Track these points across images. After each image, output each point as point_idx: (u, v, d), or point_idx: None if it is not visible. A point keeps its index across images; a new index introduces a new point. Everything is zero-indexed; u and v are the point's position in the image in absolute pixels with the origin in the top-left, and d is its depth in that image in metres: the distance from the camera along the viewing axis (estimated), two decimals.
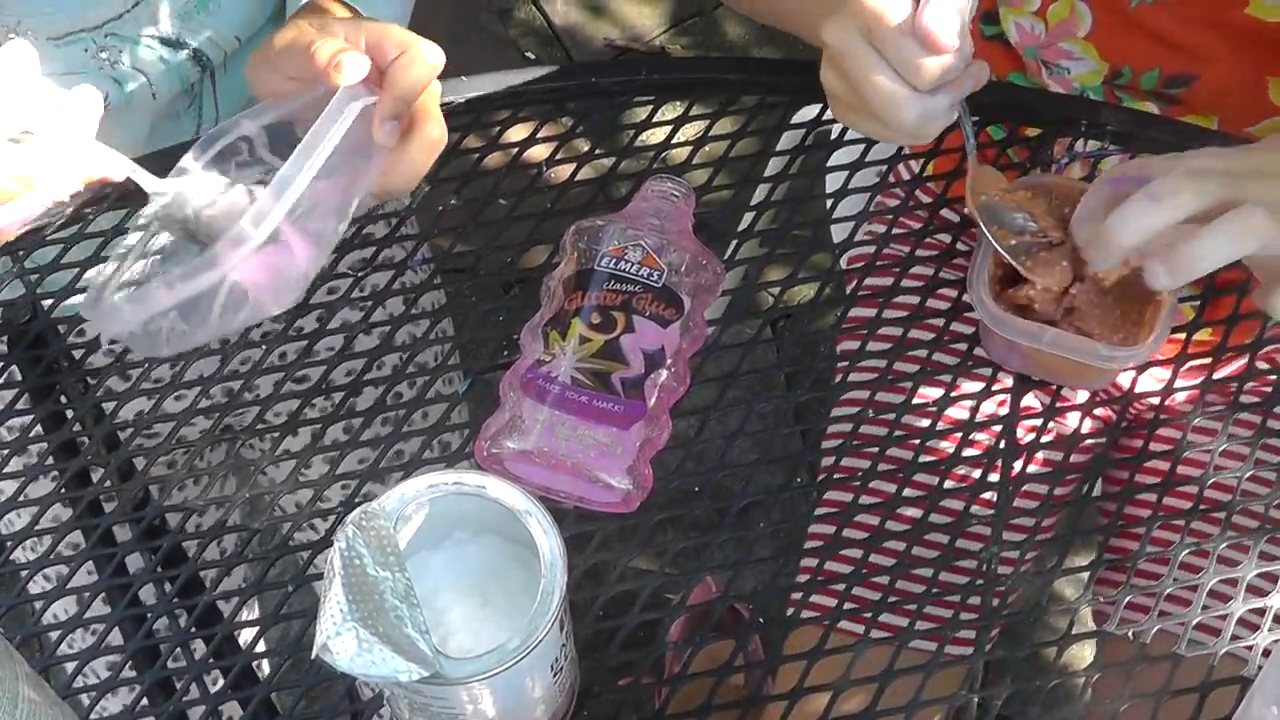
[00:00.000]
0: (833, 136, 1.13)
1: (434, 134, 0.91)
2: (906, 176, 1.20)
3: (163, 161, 0.99)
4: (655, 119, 1.13)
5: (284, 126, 0.91)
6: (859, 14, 0.84)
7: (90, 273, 0.89)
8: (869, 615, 0.96)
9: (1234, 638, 0.92)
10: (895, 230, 1.13)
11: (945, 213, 1.08)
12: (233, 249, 0.80)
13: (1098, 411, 1.02)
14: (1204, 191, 0.82)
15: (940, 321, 1.02)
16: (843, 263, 1.14)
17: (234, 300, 0.83)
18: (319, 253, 0.85)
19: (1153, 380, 1.03)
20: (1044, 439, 0.98)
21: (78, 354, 1.04)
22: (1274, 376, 1.08)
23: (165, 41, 1.11)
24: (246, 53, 1.16)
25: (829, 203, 1.12)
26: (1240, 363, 1.11)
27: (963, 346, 1.02)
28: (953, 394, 1.01)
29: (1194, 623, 0.93)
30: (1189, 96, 1.10)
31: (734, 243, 1.10)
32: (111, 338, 0.87)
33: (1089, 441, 1.05)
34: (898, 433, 0.99)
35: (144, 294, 0.85)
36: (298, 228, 0.82)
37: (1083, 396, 1.11)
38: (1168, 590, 0.94)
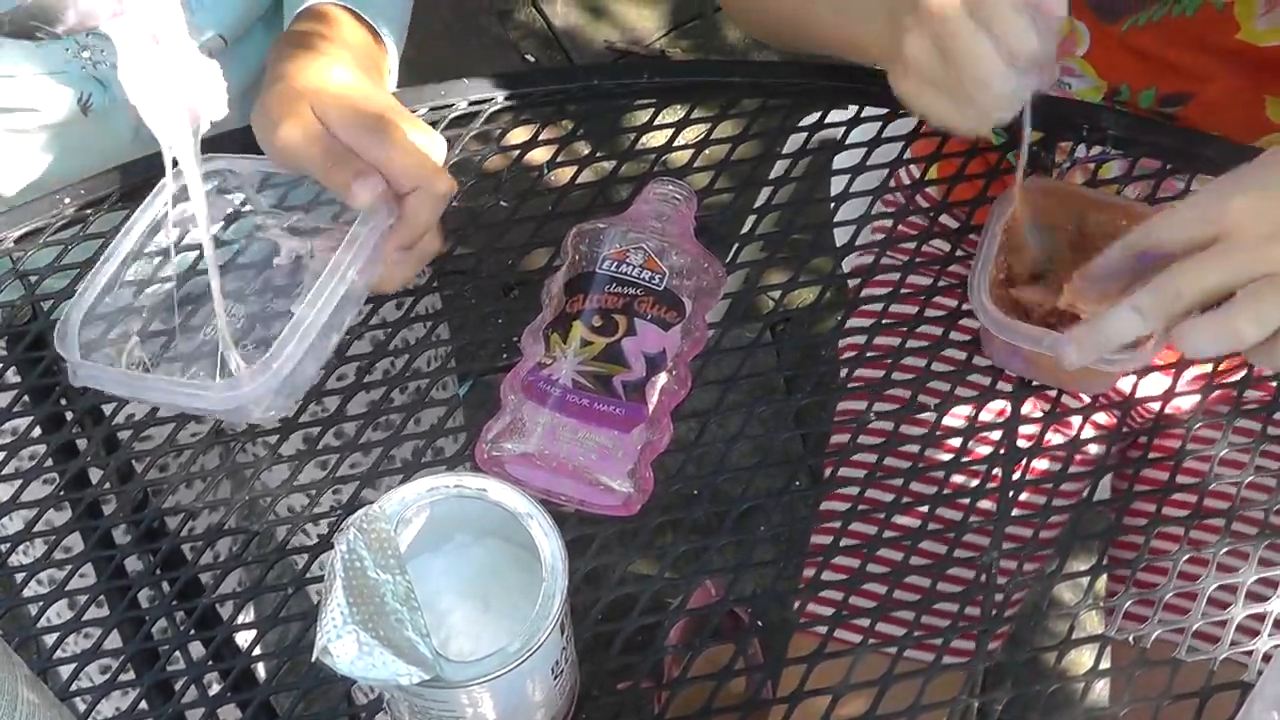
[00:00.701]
0: (839, 138, 1.13)
1: (433, 247, 0.94)
2: (907, 181, 1.20)
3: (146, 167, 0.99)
4: (656, 122, 1.13)
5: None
6: None
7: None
8: (867, 624, 0.96)
9: (1234, 643, 0.92)
10: (894, 236, 1.13)
11: (945, 219, 1.08)
12: (251, 380, 0.85)
13: (1098, 418, 1.02)
14: (1192, 304, 0.79)
15: (939, 330, 1.02)
16: (845, 266, 1.13)
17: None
18: (319, 367, 0.90)
19: (1154, 386, 1.03)
20: (1045, 445, 0.99)
21: None
22: (1275, 383, 1.08)
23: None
24: (235, 55, 1.17)
25: (831, 205, 1.11)
26: (1242, 369, 1.11)
27: (961, 354, 1.02)
28: (952, 401, 1.01)
29: (1194, 628, 0.93)
30: (1186, 114, 1.10)
31: (735, 246, 1.10)
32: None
33: (1090, 448, 1.04)
34: (899, 441, 0.99)
35: (146, 389, 0.90)
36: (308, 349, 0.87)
37: (1084, 401, 1.12)
38: (1168, 596, 0.94)
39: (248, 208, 1.01)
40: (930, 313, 1.02)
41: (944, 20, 0.82)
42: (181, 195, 0.92)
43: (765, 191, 1.11)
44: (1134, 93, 1.10)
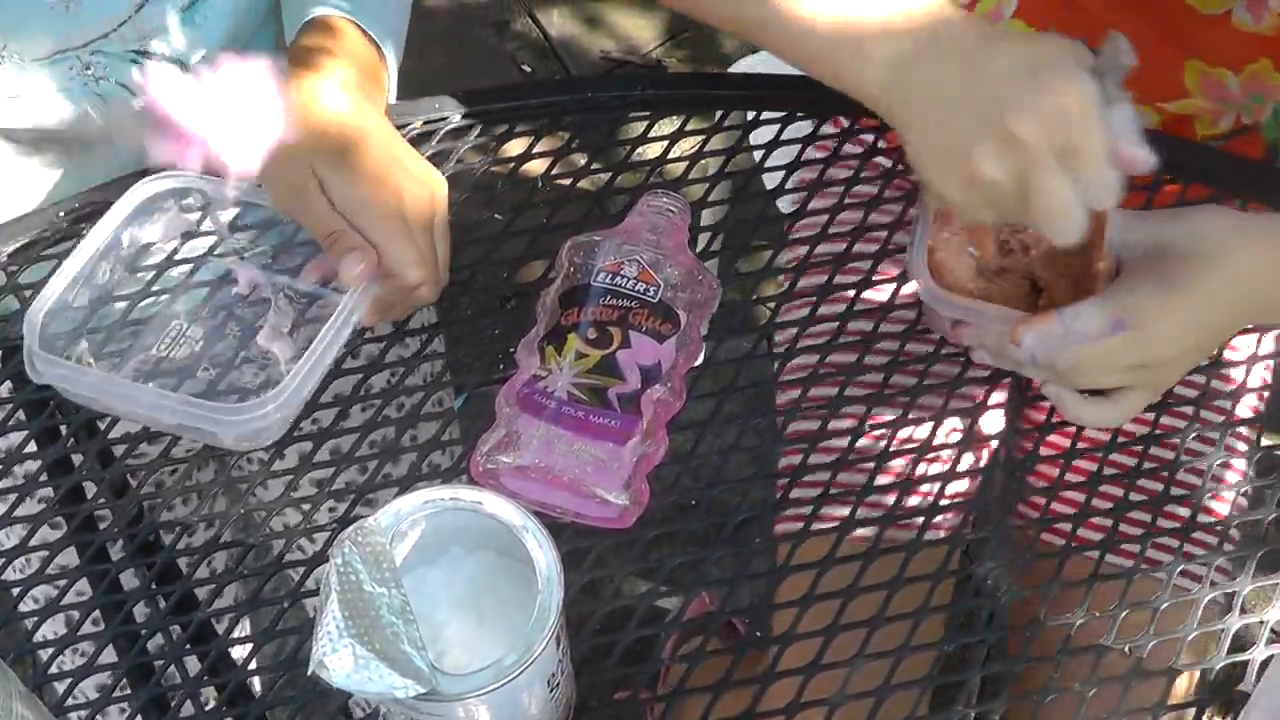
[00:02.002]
0: (831, 150, 1.13)
1: (422, 299, 0.98)
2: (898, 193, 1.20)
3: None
4: (652, 133, 1.13)
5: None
6: (1054, 123, 0.79)
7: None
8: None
9: (1230, 652, 0.92)
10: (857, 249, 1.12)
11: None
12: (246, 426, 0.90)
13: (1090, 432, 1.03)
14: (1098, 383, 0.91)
15: (895, 345, 1.02)
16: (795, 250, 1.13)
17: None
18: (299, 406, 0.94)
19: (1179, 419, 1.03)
20: (1042, 451, 0.99)
21: None
22: (1267, 393, 1.08)
23: (148, 55, 1.11)
24: None
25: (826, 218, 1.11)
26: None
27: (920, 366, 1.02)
28: (944, 414, 1.01)
29: (1190, 638, 0.93)
30: None
31: (730, 257, 1.10)
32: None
33: (1081, 462, 1.05)
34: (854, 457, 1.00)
35: (119, 393, 0.94)
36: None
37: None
38: (1163, 605, 0.94)
39: (207, 225, 1.04)
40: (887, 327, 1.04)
41: (1034, 157, 0.79)
42: (140, 213, 0.97)
43: (759, 203, 1.11)
44: None
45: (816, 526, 0.96)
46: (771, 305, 1.05)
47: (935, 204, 0.94)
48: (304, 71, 0.99)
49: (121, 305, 1.01)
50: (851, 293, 1.05)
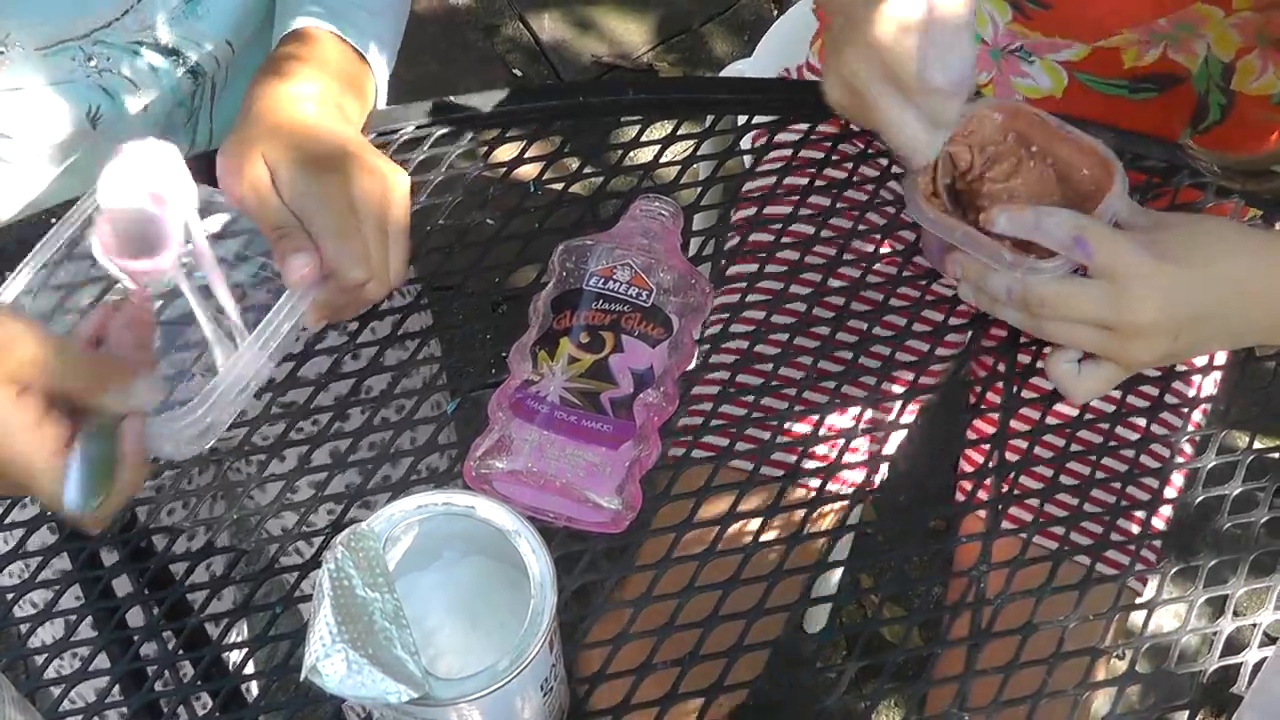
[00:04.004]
0: (822, 153, 1.13)
1: (373, 297, 0.96)
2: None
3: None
4: (644, 138, 1.13)
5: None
6: (874, 53, 0.87)
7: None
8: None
9: (1223, 654, 0.92)
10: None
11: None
12: (186, 419, 0.86)
13: (1083, 434, 1.03)
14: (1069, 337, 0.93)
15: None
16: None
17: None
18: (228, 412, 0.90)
19: (1142, 399, 1.03)
20: (1035, 458, 0.99)
21: None
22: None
23: (155, 49, 1.11)
24: (241, 66, 1.17)
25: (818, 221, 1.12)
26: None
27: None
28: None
29: (1183, 640, 0.93)
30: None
31: (722, 261, 1.11)
32: None
33: (1074, 464, 1.05)
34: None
35: None
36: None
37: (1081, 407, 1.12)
38: (1157, 606, 0.94)
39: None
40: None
41: (865, 93, 0.89)
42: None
43: (752, 207, 1.11)
44: None
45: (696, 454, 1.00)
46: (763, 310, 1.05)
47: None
48: (269, 78, 0.99)
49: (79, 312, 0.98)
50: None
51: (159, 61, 1.11)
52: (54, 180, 1.16)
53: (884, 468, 1.16)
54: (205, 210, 0.94)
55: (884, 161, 1.10)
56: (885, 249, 1.09)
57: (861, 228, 1.09)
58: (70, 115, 1.11)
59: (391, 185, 0.94)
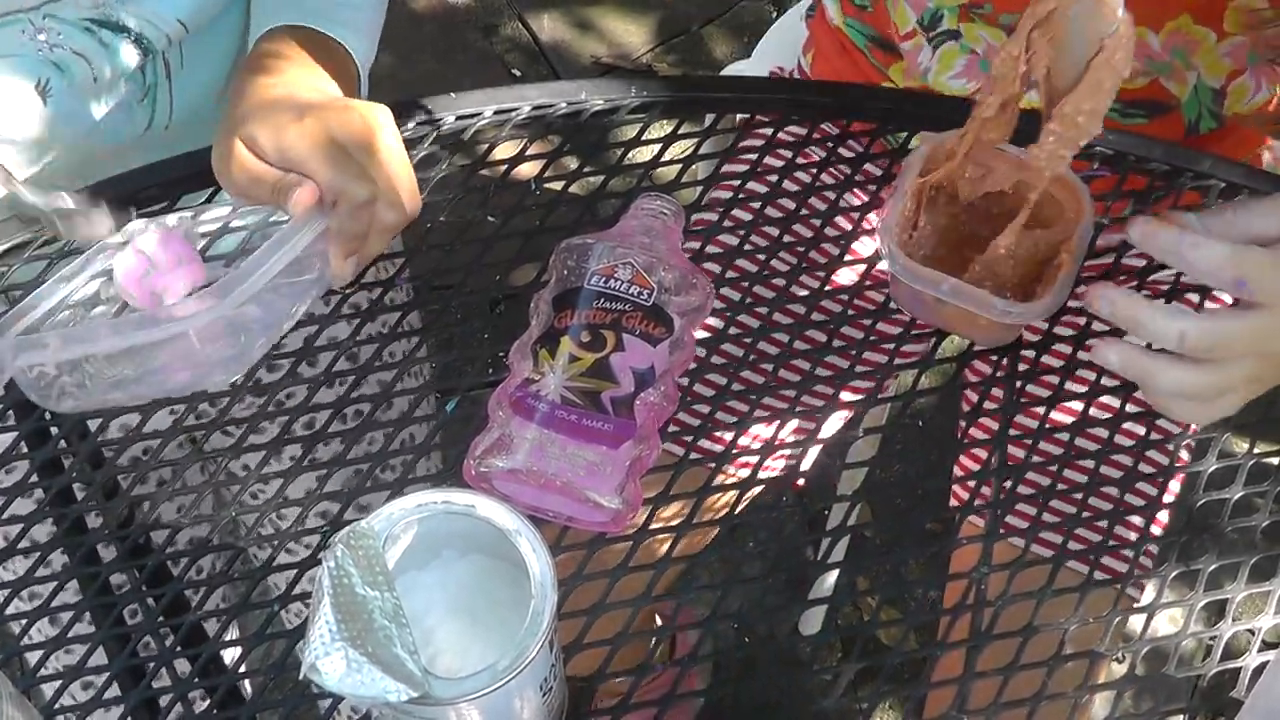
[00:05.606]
0: (824, 154, 1.13)
1: (375, 249, 0.96)
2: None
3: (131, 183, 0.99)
4: (644, 137, 1.13)
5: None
6: None
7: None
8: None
9: (1222, 659, 0.92)
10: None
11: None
12: (198, 306, 0.84)
13: (1080, 442, 1.03)
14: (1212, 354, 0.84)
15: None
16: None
17: (176, 360, 0.87)
18: (273, 335, 0.90)
19: (1139, 406, 1.03)
20: (1034, 464, 0.99)
21: None
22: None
23: (102, 23, 1.10)
24: (203, 46, 1.16)
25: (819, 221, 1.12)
26: None
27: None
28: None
29: (1182, 643, 0.93)
30: None
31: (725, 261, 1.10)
32: (7, 374, 0.88)
33: (1078, 464, 1.05)
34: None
35: (84, 332, 0.89)
36: (261, 305, 0.87)
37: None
38: (1156, 610, 0.94)
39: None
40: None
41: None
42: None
43: (753, 207, 1.11)
44: None
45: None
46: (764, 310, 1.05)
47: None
48: (244, 75, 1.01)
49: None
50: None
51: (106, 35, 1.11)
52: (9, 158, 1.15)
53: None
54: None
55: (885, 162, 1.10)
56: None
57: (864, 227, 1.08)
58: (18, 89, 1.10)
59: (370, 115, 0.95)
